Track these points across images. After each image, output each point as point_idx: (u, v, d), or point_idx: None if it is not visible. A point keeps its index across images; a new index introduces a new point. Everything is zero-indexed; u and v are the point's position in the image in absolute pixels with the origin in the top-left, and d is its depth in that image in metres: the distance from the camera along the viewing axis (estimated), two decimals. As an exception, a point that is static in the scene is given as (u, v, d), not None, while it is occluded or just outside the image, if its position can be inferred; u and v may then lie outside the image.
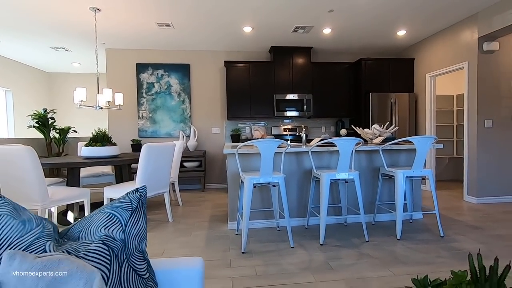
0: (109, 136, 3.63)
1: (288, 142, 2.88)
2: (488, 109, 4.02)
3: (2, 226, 0.71)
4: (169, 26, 4.21)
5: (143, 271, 0.85)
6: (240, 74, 5.19)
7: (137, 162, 3.09)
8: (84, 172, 4.21)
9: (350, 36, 4.80)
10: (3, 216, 0.72)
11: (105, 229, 0.81)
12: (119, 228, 0.83)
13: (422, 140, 2.66)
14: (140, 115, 5.36)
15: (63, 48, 5.13)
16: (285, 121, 5.69)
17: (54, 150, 5.73)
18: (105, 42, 4.92)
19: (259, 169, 2.99)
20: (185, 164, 5.04)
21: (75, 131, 5.80)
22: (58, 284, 0.53)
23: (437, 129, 5.59)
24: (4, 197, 0.77)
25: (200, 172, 5.10)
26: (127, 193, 0.96)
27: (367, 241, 2.66)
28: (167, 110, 5.41)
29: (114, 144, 3.63)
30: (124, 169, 3.84)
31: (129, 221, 0.87)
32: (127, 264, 0.81)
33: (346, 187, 3.17)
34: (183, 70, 5.40)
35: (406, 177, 2.82)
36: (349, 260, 2.28)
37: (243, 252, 2.45)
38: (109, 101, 3.69)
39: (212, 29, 4.40)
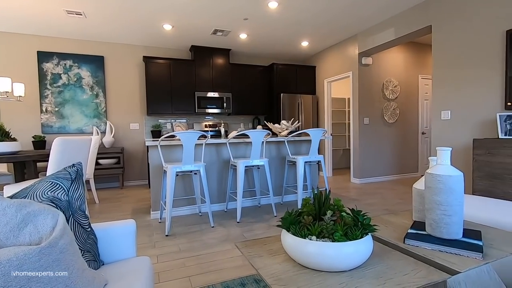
0: (7, 131, 3.26)
1: (209, 136, 3.19)
2: (366, 110, 5.16)
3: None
4: (80, 14, 3.99)
5: (86, 225, 1.06)
6: (161, 71, 5.23)
7: (46, 159, 2.92)
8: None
9: (264, 43, 5.40)
10: None
11: (51, 192, 0.99)
12: (63, 192, 1.02)
13: (315, 132, 3.35)
14: (44, 109, 4.83)
15: None
16: (206, 117, 5.96)
17: None
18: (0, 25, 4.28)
19: (181, 160, 3.22)
20: (101, 161, 4.81)
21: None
22: (32, 217, 0.73)
23: (333, 126, 6.75)
24: None
25: (118, 169, 4.94)
26: (64, 168, 1.13)
27: (275, 216, 3.20)
28: (78, 104, 5.03)
29: (14, 140, 3.28)
30: (29, 168, 3.49)
31: (71, 188, 1.06)
32: (73, 219, 1.01)
33: (259, 173, 3.68)
34: (96, 62, 5.10)
35: (305, 162, 3.48)
36: (260, 231, 2.75)
37: (167, 235, 2.66)
38: (6, 92, 3.31)
39: (129, 23, 4.34)
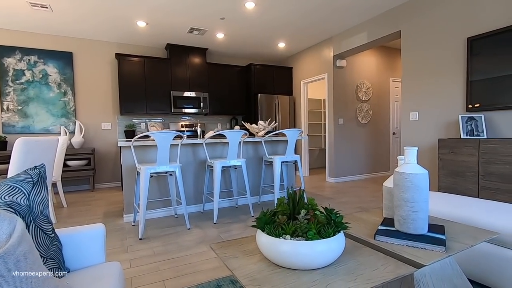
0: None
1: (185, 136, 3.13)
2: (340, 111, 5.31)
3: None
4: (46, 8, 3.76)
5: (50, 231, 0.99)
6: (135, 69, 5.06)
7: (7, 162, 2.72)
8: None
9: (241, 43, 5.39)
10: None
11: (8, 196, 0.92)
12: (23, 197, 0.95)
13: (291, 132, 3.40)
14: (5, 107, 4.50)
15: None
16: (183, 117, 5.85)
17: None
18: (-51, 14, 3.93)
19: (155, 161, 3.13)
20: (70, 163, 4.56)
21: None
22: (-15, 223, 0.67)
23: (309, 126, 6.88)
24: None
25: (88, 171, 4.71)
26: (25, 170, 1.06)
27: (253, 216, 3.20)
28: (44, 103, 4.74)
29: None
30: (-14, 170, 3.23)
31: (32, 191, 0.99)
32: (34, 225, 0.94)
33: (236, 174, 3.66)
34: (64, 58, 4.83)
35: (282, 162, 3.52)
36: (237, 231, 2.74)
37: (140, 239, 2.57)
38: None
39: (100, 18, 4.16)
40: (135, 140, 2.85)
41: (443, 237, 1.23)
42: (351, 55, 5.15)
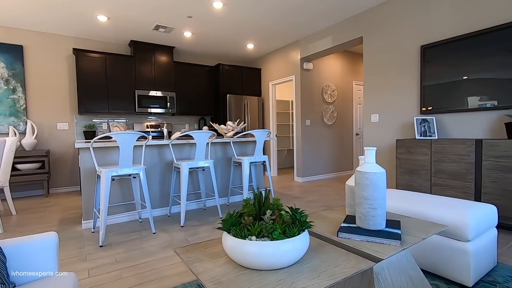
0: None
1: (150, 137, 3.01)
2: (307, 112, 5.45)
3: None
4: (-9, -5, 3.41)
5: (-10, 242, 0.89)
6: (95, 65, 4.77)
7: None
8: None
9: (209, 42, 5.32)
10: None
11: None
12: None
13: (259, 133, 3.42)
14: None
15: None
16: (149, 117, 5.64)
17: None
18: None
19: (117, 163, 2.98)
20: (20, 166, 4.18)
21: None
22: None
23: (278, 127, 6.99)
24: None
25: (42, 174, 4.35)
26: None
27: (221, 218, 3.17)
28: (-11, 100, 4.29)
29: None
30: None
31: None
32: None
33: (204, 175, 3.61)
34: (13, 52, 4.42)
35: (250, 162, 3.53)
36: (205, 234, 2.69)
37: (101, 246, 2.42)
38: None
39: (55, 9, 3.86)
40: (95, 141, 2.69)
41: (399, 231, 1.31)
42: (317, 58, 5.32)
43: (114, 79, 4.93)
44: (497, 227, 2.60)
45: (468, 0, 2.99)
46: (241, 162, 3.47)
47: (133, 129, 5.38)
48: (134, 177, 2.97)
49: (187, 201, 3.50)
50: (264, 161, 3.61)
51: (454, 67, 3.08)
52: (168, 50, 5.43)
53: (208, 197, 3.68)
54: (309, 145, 5.48)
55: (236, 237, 1.05)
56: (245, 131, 5.90)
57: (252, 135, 4.95)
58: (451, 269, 1.70)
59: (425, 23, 3.37)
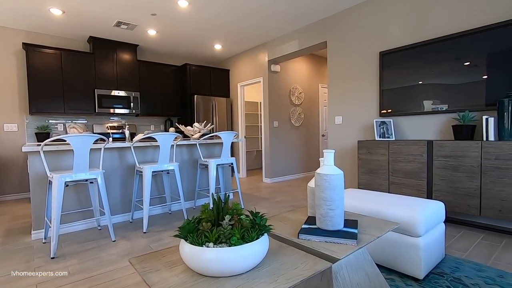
0: None
1: (110, 139, 2.85)
2: (275, 114, 5.52)
3: None
4: None
5: None
6: (49, 62, 4.43)
7: None
8: None
9: (175, 42, 5.18)
10: None
11: None
12: None
13: (226, 135, 3.39)
14: None
15: None
16: (111, 118, 5.35)
17: None
18: None
19: (71, 168, 2.78)
20: (-42, 172, 3.74)
21: None
22: None
23: (246, 128, 6.99)
24: None
25: (-14, 181, 3.94)
26: None
27: (187, 222, 3.09)
28: None
29: None
30: None
31: None
32: None
33: (169, 178, 3.49)
34: (-50, 44, 3.95)
35: (217, 165, 3.48)
36: (169, 239, 2.60)
37: (53, 258, 2.24)
38: None
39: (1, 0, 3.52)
40: (46, 144, 2.48)
41: (355, 231, 1.36)
42: (284, 60, 5.41)
43: (71, 77, 4.61)
44: (445, 221, 2.82)
45: (421, 11, 3.21)
46: (207, 165, 3.41)
47: (93, 130, 5.07)
48: (92, 182, 2.79)
49: (151, 205, 3.36)
50: (232, 163, 3.59)
51: (411, 73, 3.29)
52: (131, 48, 5.19)
53: (173, 201, 3.57)
54: (277, 146, 5.55)
55: (193, 244, 1.02)
56: (213, 132, 5.82)
57: (219, 137, 4.91)
58: (405, 263, 1.80)
59: (383, 31, 3.57)
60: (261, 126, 7.38)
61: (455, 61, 2.94)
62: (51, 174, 2.39)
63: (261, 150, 7.35)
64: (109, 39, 4.92)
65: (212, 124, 5.81)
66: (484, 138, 2.60)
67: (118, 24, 4.29)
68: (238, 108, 6.12)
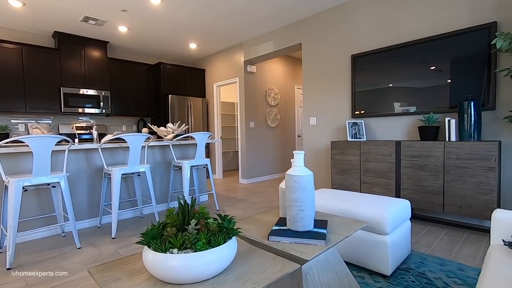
0: None
1: (76, 140, 2.69)
2: (251, 114, 5.51)
3: None
4: None
5: None
6: (7, 57, 4.12)
7: None
8: None
9: (148, 39, 5.02)
10: None
11: None
12: None
13: (200, 136, 3.33)
14: None
15: None
16: (80, 118, 5.08)
17: None
18: None
19: (30, 171, 2.60)
20: None
21: None
22: None
23: (223, 129, 6.92)
24: None
25: None
26: None
27: (159, 226, 2.99)
28: None
29: None
30: None
31: None
32: None
33: (141, 181, 3.37)
34: None
35: (191, 166, 3.41)
36: (139, 245, 2.50)
37: (8, 268, 2.07)
38: None
39: (-49, -11, 3.23)
40: (1, 146, 2.30)
41: (324, 231, 1.38)
42: (260, 61, 5.42)
43: (33, 74, 4.32)
44: (411, 218, 2.95)
45: (390, 17, 3.34)
46: (181, 166, 3.33)
47: (59, 131, 4.79)
48: (54, 186, 2.62)
49: (121, 209, 3.22)
50: (206, 164, 3.53)
51: (381, 75, 3.41)
52: (101, 44, 4.97)
53: (145, 204, 3.44)
54: (253, 146, 5.54)
55: (157, 251, 0.97)
56: (187, 133, 5.71)
57: (194, 138, 4.82)
58: (373, 260, 1.85)
59: (355, 34, 3.67)
60: (237, 126, 7.35)
61: (422, 65, 3.08)
62: (7, 178, 2.21)
63: (238, 151, 7.31)
64: (76, 34, 4.67)
65: (187, 124, 5.70)
66: (447, 139, 2.75)
67: (86, 19, 4.08)
68: (214, 109, 6.05)
